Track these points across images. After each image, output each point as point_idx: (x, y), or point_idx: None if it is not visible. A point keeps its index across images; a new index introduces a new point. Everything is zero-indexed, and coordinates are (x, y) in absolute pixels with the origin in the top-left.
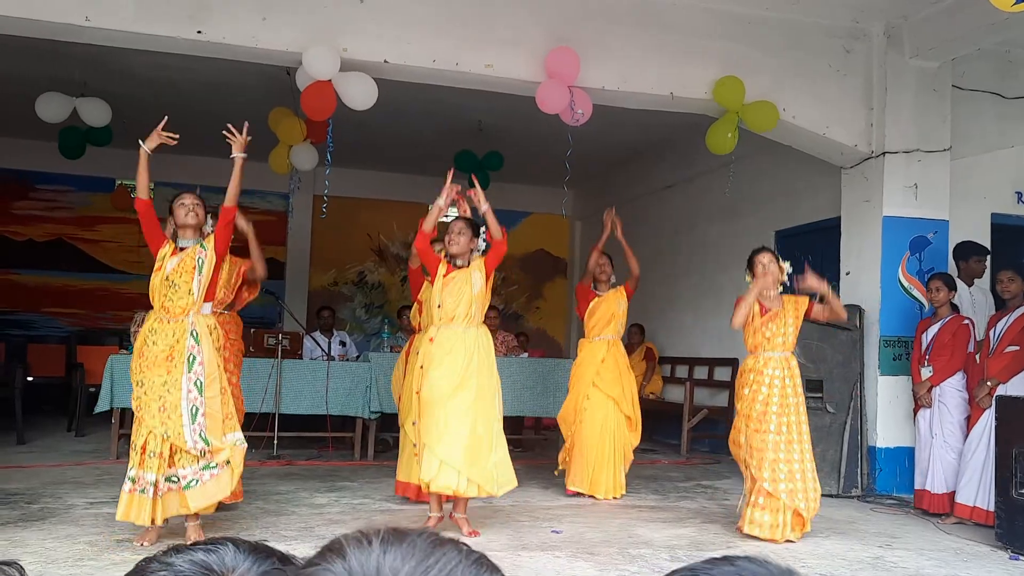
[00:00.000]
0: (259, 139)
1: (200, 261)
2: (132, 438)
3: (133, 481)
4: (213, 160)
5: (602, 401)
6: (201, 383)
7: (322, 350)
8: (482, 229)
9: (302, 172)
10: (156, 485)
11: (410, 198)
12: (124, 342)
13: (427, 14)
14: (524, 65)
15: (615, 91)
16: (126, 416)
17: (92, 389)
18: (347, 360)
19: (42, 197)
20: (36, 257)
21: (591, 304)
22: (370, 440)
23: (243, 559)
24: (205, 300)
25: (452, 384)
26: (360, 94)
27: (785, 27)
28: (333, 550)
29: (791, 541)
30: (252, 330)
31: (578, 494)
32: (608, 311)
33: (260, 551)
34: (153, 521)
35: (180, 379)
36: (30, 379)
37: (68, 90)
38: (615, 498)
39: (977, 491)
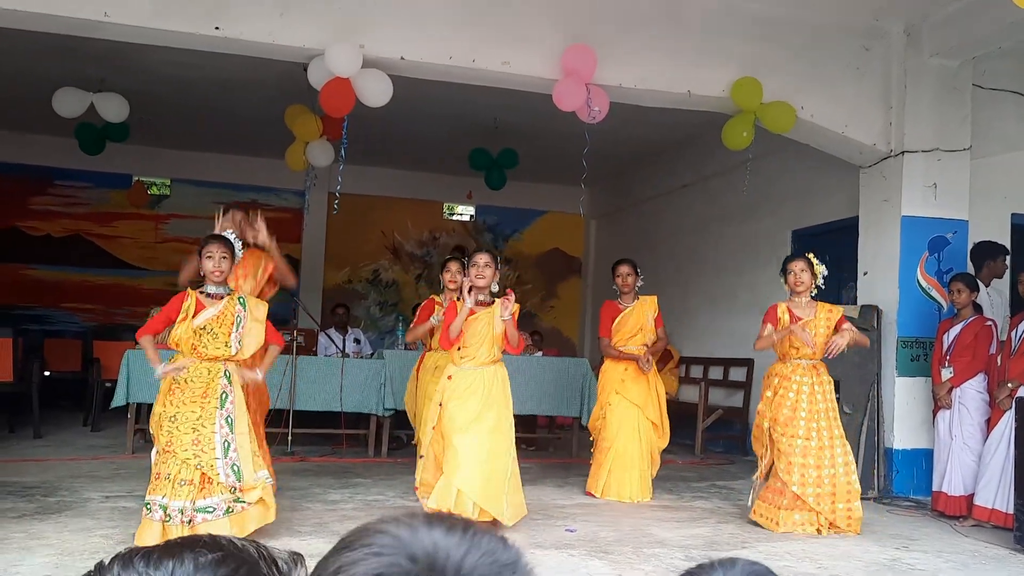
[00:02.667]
0: (275, 136)
1: (239, 319)
2: (157, 469)
3: (163, 509)
4: (229, 157)
5: (625, 408)
6: (232, 421)
7: (337, 347)
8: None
9: (318, 169)
10: (183, 512)
11: (425, 196)
12: None
13: (444, 11)
14: (541, 62)
15: (632, 89)
16: (142, 411)
17: (108, 384)
18: (361, 357)
19: (60, 193)
20: (53, 252)
21: (618, 318)
22: (384, 437)
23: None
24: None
25: (469, 417)
26: (375, 91)
27: (803, 26)
28: (370, 530)
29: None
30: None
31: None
32: (636, 324)
33: (225, 564)
34: None
35: (214, 414)
36: (47, 374)
37: (86, 86)
38: (639, 501)
39: (996, 494)
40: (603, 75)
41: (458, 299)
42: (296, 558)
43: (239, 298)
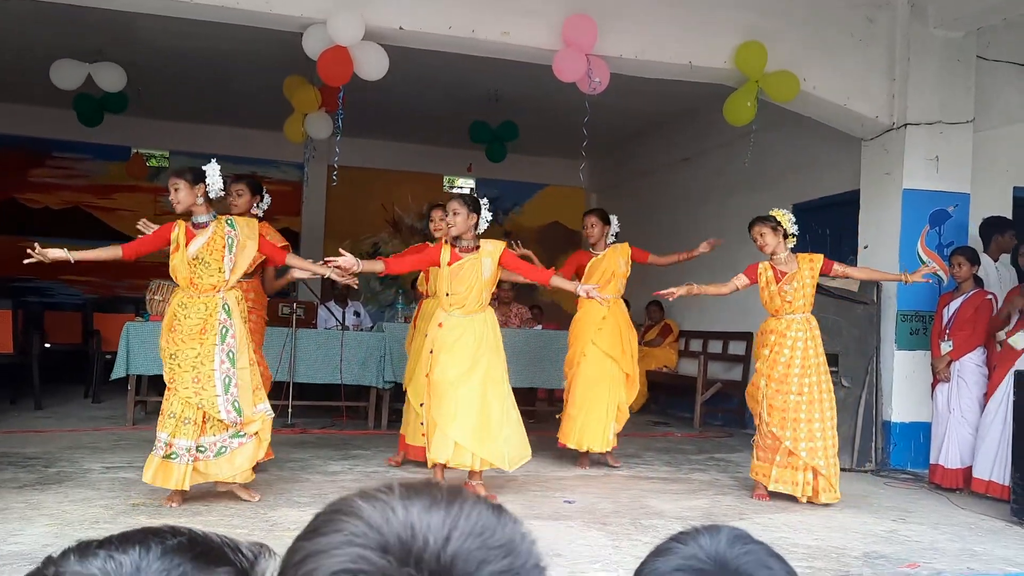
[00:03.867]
0: (274, 108)
1: (230, 241)
2: (164, 406)
3: (166, 446)
4: (228, 129)
5: (599, 358)
6: (233, 355)
7: (336, 320)
8: (484, 202)
9: (317, 141)
10: (189, 451)
11: (425, 169)
12: (140, 310)
13: None
14: (541, 33)
15: (633, 60)
16: (142, 383)
17: (108, 356)
18: (361, 330)
19: (59, 165)
20: (53, 225)
21: (589, 264)
22: (384, 410)
23: (148, 566)
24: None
25: (462, 368)
26: (372, 63)
27: None
28: (342, 511)
29: (824, 504)
30: (267, 299)
31: (570, 451)
32: (608, 269)
33: (179, 553)
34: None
35: (213, 351)
36: (47, 346)
37: (83, 57)
38: (602, 453)
39: (993, 465)
40: (604, 46)
41: (446, 242)
42: (262, 548)
43: (227, 220)
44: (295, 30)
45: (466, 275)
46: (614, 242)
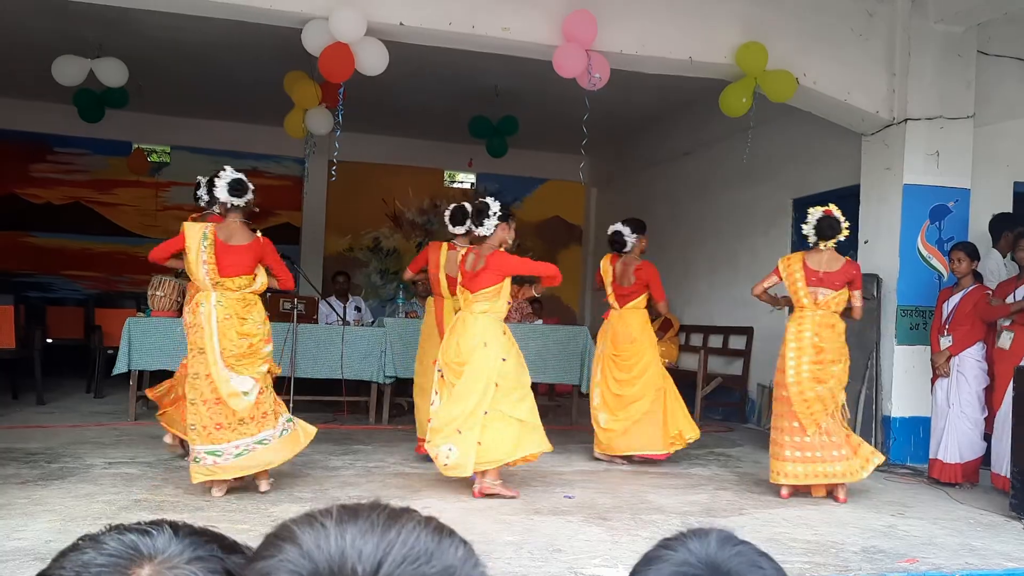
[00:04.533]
0: (275, 103)
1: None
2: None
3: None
4: (229, 124)
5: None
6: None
7: (337, 315)
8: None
9: (318, 136)
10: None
11: (426, 163)
12: (141, 305)
13: None
14: (541, 28)
15: (633, 55)
16: (144, 378)
17: (110, 351)
18: (362, 325)
19: (59, 160)
20: (54, 220)
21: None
22: (385, 404)
23: (176, 544)
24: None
25: (521, 372)
26: (372, 59)
27: None
28: (281, 537)
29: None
30: (268, 295)
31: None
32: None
33: (202, 536)
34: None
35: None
36: (49, 341)
37: (83, 52)
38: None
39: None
40: (604, 41)
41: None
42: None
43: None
44: (296, 26)
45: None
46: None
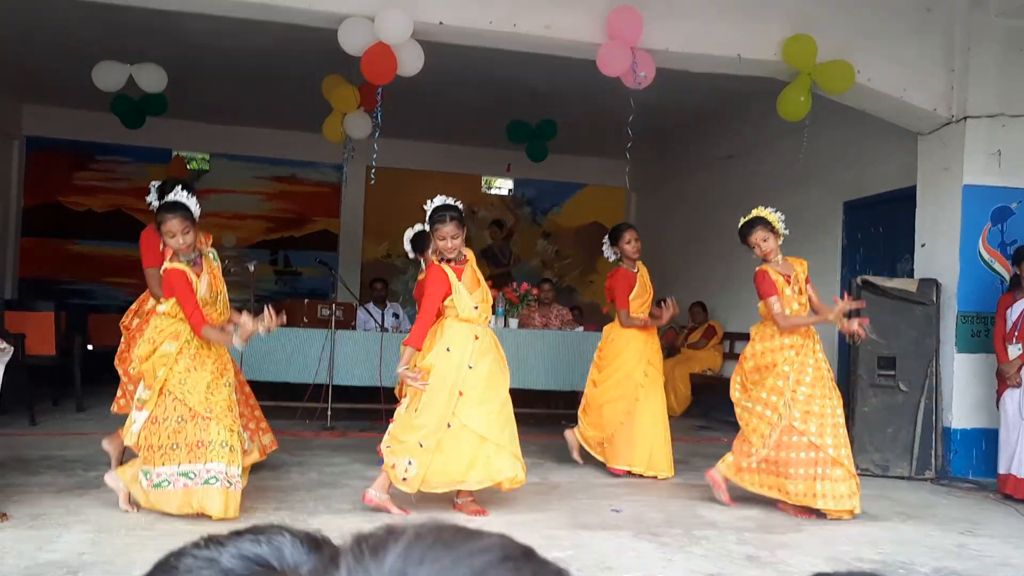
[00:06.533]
0: (312, 108)
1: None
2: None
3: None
4: (266, 131)
5: (658, 382)
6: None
7: (375, 321)
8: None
9: (356, 142)
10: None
11: (463, 169)
12: None
13: None
14: (584, 25)
15: (679, 52)
16: None
17: None
18: (400, 332)
19: (101, 168)
20: (95, 227)
21: (637, 285)
22: None
23: (303, 555)
24: None
25: (494, 383)
26: (410, 59)
27: None
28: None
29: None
30: (306, 301)
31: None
32: (648, 287)
33: (313, 543)
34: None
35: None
36: (90, 348)
37: (123, 58)
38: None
39: None
40: (649, 38)
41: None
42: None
43: (209, 252)
44: (335, 26)
45: (481, 281)
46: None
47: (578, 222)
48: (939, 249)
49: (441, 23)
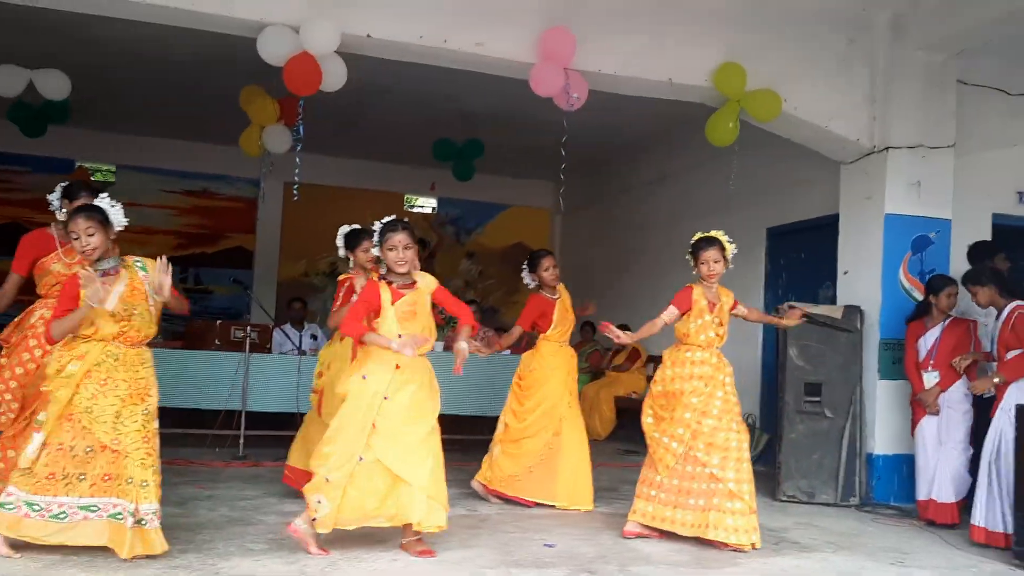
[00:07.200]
0: (229, 120)
1: (148, 287)
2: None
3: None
4: (178, 142)
5: (577, 411)
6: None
7: (292, 344)
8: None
9: (274, 156)
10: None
11: (385, 187)
12: None
13: None
14: (517, 45)
15: (612, 75)
16: None
17: None
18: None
19: None
20: None
21: (556, 308)
22: None
23: None
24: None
25: (413, 416)
26: (334, 73)
27: (788, 14)
28: None
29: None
30: (219, 322)
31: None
32: (569, 313)
33: None
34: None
35: (137, 411)
36: None
37: (24, 63)
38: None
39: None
40: (582, 60)
41: (379, 279)
42: None
43: (136, 263)
44: (254, 36)
45: (419, 313)
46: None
47: (502, 243)
48: (861, 277)
49: (369, 36)
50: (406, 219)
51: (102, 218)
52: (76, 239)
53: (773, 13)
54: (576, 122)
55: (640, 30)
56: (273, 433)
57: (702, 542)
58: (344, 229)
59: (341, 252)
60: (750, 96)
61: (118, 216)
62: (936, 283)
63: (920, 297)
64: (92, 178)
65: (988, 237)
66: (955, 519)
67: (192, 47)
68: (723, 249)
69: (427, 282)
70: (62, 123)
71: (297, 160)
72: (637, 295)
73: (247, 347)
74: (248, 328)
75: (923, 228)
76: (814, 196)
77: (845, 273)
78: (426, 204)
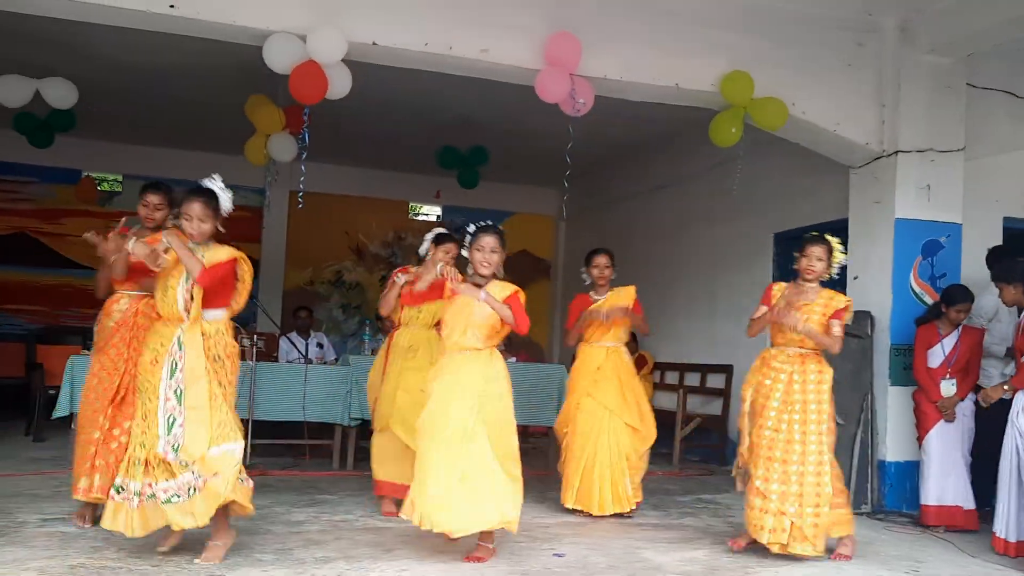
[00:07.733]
0: (234, 129)
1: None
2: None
3: (119, 491)
4: (184, 152)
5: (595, 411)
6: (181, 391)
7: (299, 352)
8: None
9: (280, 165)
10: (140, 495)
11: (390, 195)
12: (87, 342)
13: None
14: (522, 51)
15: (618, 80)
16: None
17: (52, 391)
18: (325, 363)
19: (3, 188)
20: None
21: (590, 308)
22: (350, 448)
23: None
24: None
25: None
26: (339, 81)
27: (795, 18)
28: None
29: (799, 556)
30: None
31: (575, 511)
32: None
33: None
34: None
35: (159, 386)
36: None
37: (30, 73)
38: (619, 515)
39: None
40: (588, 66)
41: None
42: None
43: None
44: (259, 44)
45: (475, 312)
46: (613, 285)
47: (507, 250)
48: (871, 282)
49: (375, 43)
50: (502, 228)
51: (216, 206)
52: (189, 221)
53: (780, 18)
54: (577, 128)
55: (645, 35)
56: (281, 442)
57: (716, 550)
58: (439, 229)
59: (424, 247)
60: (757, 104)
61: (228, 205)
62: (954, 296)
63: (931, 302)
64: (99, 187)
65: (999, 241)
66: (972, 525)
67: (196, 57)
68: (830, 251)
69: (503, 287)
70: (67, 132)
71: (302, 168)
72: (643, 301)
73: (254, 356)
74: (255, 337)
75: (933, 232)
76: (822, 201)
77: (855, 278)
78: (431, 212)
